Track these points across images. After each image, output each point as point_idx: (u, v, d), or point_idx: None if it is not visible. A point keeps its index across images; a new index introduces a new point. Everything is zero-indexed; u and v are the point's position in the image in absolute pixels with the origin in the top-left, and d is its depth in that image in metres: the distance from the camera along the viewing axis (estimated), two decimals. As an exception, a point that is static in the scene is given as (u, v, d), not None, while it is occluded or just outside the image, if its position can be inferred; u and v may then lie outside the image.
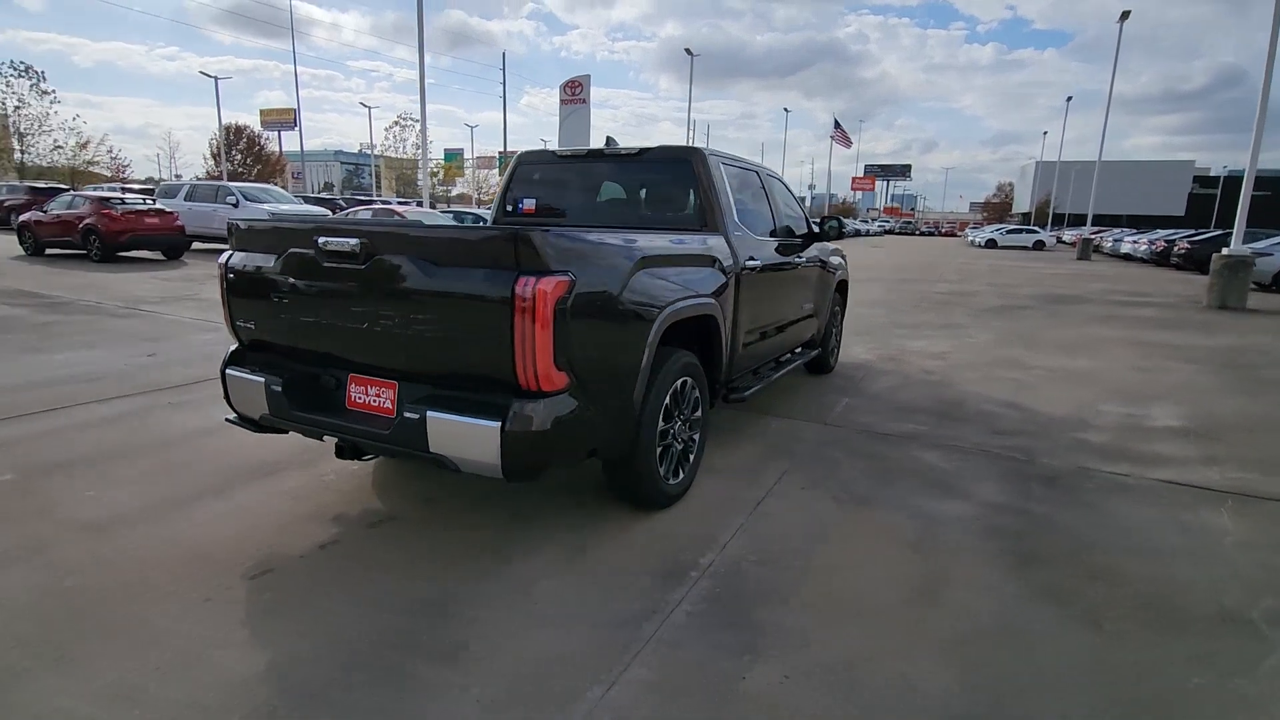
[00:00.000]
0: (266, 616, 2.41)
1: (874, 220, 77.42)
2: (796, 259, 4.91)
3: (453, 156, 75.84)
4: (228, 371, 3.06)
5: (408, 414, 2.53)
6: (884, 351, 7.55)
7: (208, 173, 50.24)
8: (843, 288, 6.52)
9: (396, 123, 62.92)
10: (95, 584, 2.56)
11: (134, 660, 2.13)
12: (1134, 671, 2.23)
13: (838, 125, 75.53)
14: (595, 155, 4.30)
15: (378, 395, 2.76)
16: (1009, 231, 43.32)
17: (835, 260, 6.04)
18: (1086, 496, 3.66)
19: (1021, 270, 22.21)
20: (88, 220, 14.03)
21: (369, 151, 67.01)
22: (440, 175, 72.64)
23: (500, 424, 2.37)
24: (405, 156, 67.10)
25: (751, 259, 4.04)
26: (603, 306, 2.63)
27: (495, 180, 72.25)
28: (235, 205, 16.52)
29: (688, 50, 35.33)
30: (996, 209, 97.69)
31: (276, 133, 53.34)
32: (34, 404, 4.69)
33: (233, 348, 3.15)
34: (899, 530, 3.21)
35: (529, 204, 4.43)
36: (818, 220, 5.46)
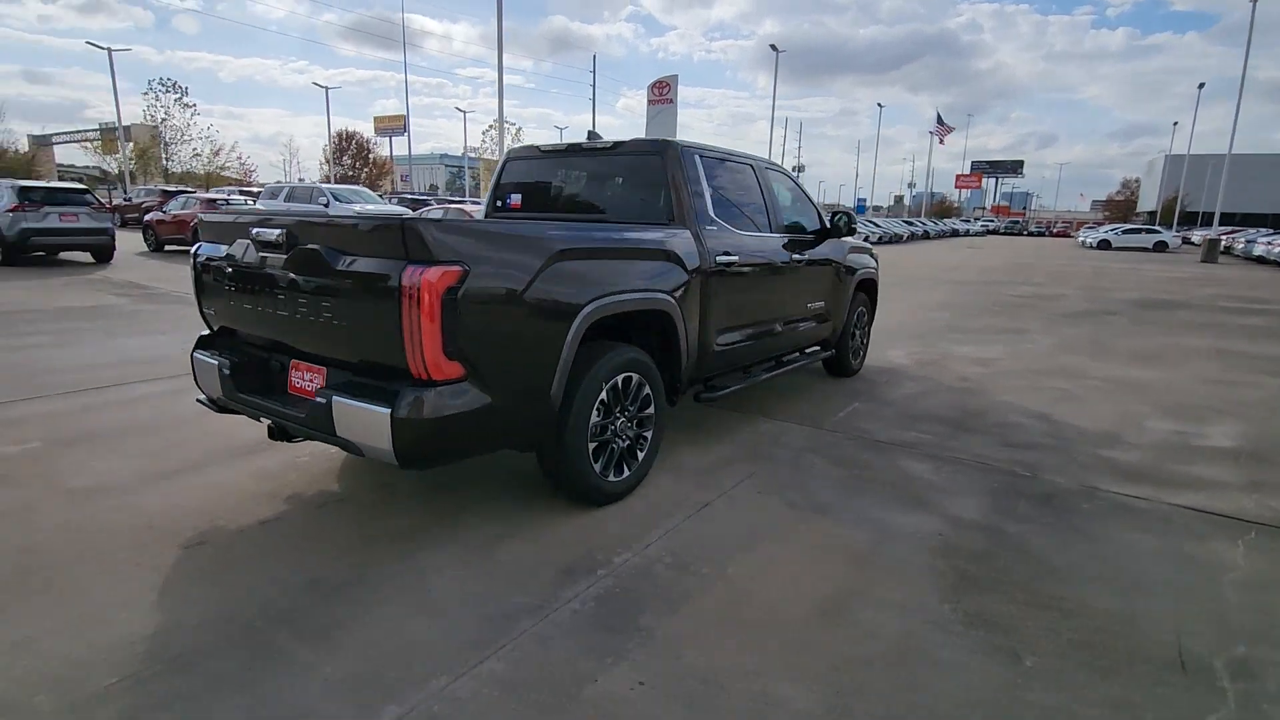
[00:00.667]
0: (179, 584, 2.56)
1: (977, 220, 73.16)
2: (797, 256, 4.71)
3: None
4: (194, 355, 3.27)
5: (319, 399, 2.63)
6: (925, 356, 7.12)
7: (323, 176, 54.03)
8: (869, 288, 6.20)
9: (492, 127, 65.04)
10: (54, 544, 2.81)
11: (47, 615, 2.33)
12: (1030, 713, 1.99)
13: (940, 120, 72.01)
14: (574, 150, 4.30)
15: (310, 380, 2.88)
16: (1125, 232, 39.77)
17: (856, 259, 5.75)
18: (1078, 519, 3.31)
19: (1128, 274, 20.35)
20: (196, 220, 15.40)
21: (471, 154, 70.00)
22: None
23: (390, 411, 2.42)
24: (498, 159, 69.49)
25: (727, 254, 3.91)
26: (505, 299, 2.62)
27: (586, 181, 73.72)
28: (326, 205, 17.65)
29: (773, 47, 34.67)
30: (1119, 207, 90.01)
31: (388, 138, 56.80)
32: (90, 382, 5.21)
33: (202, 333, 3.38)
34: (844, 542, 3.02)
35: (516, 199, 4.49)
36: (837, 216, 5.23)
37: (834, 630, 2.37)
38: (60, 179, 51.47)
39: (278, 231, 2.67)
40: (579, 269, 2.92)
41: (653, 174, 3.87)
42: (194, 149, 47.82)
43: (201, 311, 3.32)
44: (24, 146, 50.88)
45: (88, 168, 52.83)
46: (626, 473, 3.35)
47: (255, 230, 2.77)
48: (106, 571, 2.62)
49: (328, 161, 53.77)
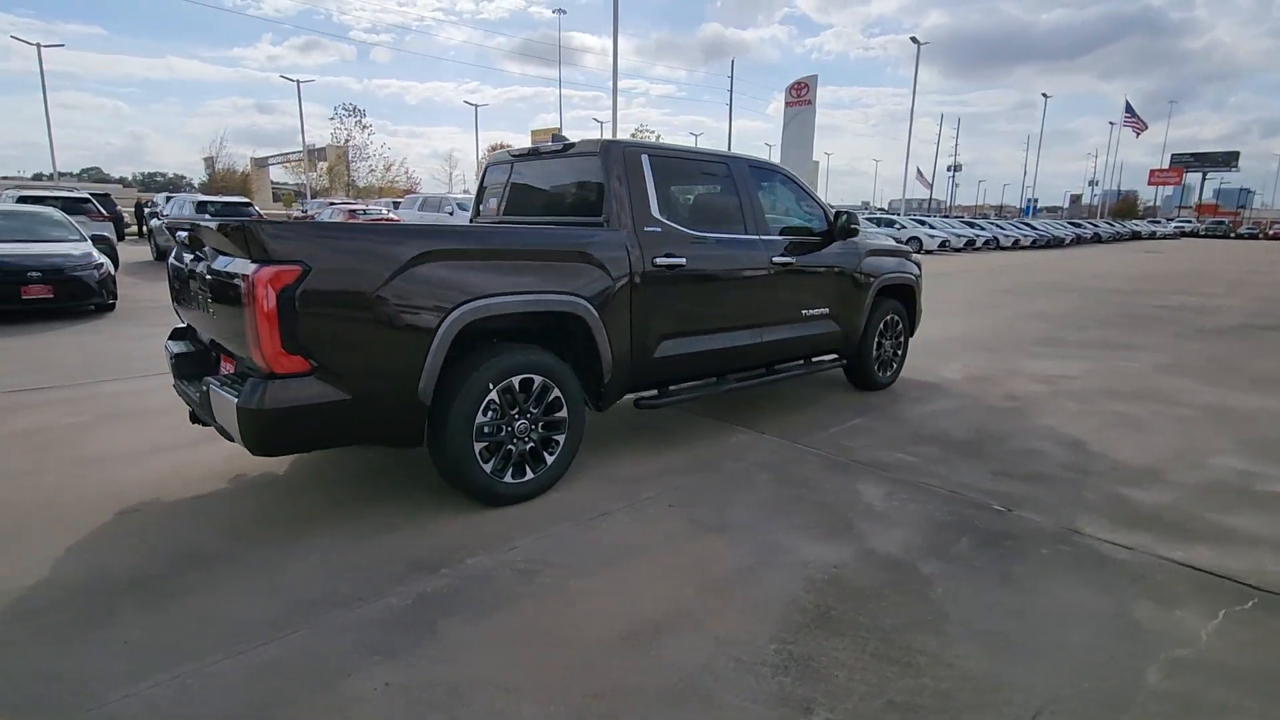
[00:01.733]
0: (88, 544, 2.89)
1: (1170, 220, 63.91)
2: (784, 260, 4.42)
3: None
4: (166, 343, 3.69)
5: (204, 387, 2.87)
6: (985, 370, 6.38)
7: (476, 187, 58.22)
8: (903, 295, 5.68)
9: (634, 135, 66.79)
10: (26, 500, 3.28)
11: (-30, 561, 2.73)
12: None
13: (1130, 110, 63.95)
14: (534, 154, 4.33)
15: (226, 372, 3.15)
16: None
17: (875, 264, 5.27)
18: (1021, 565, 2.82)
19: (1346, 282, 16.87)
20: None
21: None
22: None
23: (235, 400, 2.59)
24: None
25: (671, 257, 3.76)
26: (353, 299, 2.70)
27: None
28: (451, 214, 19.02)
29: (914, 39, 32.53)
30: (1371, 204, 74.70)
31: None
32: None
33: (177, 325, 3.79)
34: (719, 566, 2.80)
35: (491, 204, 4.60)
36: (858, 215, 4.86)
37: (628, 657, 2.21)
38: (273, 195, 60.02)
39: (185, 234, 2.95)
40: (448, 272, 2.93)
41: (594, 176, 3.81)
42: (370, 165, 53.50)
43: (173, 304, 3.74)
44: (248, 168, 59.48)
45: (289, 184, 60.86)
46: (529, 475, 3.33)
47: (179, 234, 3.08)
48: (51, 526, 3.01)
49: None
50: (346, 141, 53.19)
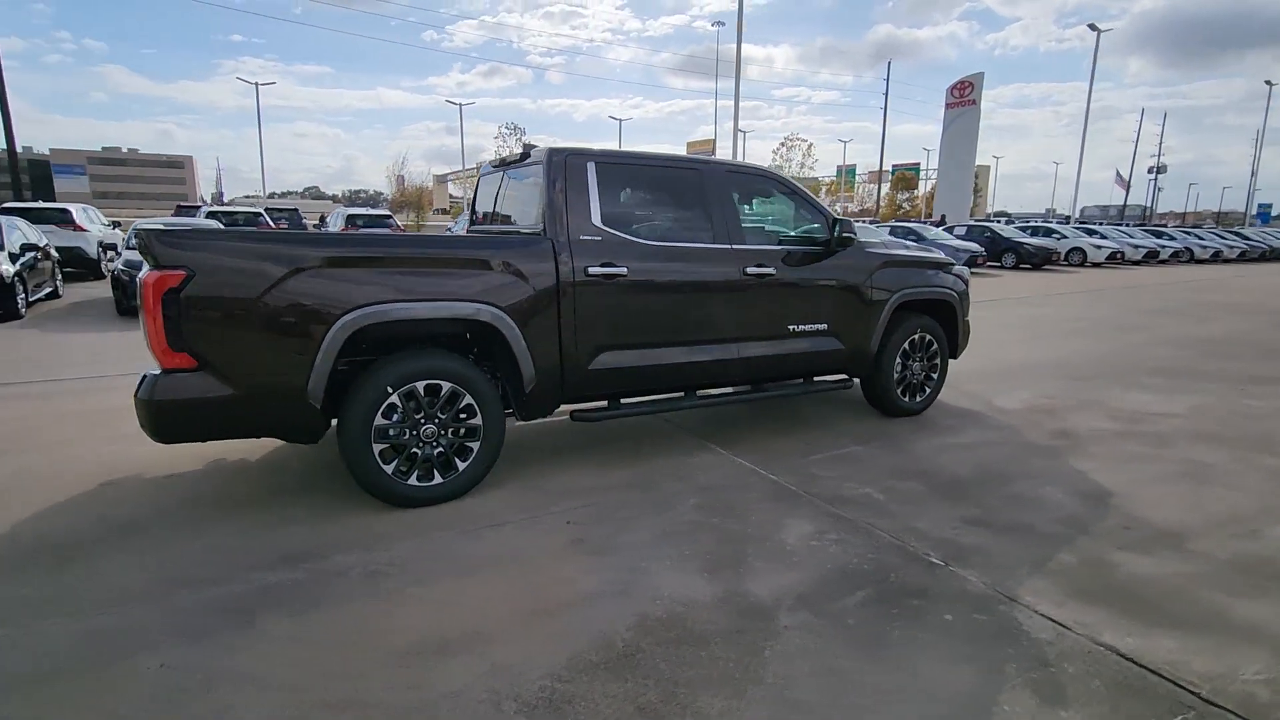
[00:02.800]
0: (56, 506, 3.31)
1: None
2: (760, 270, 4.12)
3: (852, 174, 76.61)
4: None
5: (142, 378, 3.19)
6: (1051, 401, 5.52)
7: (624, 198, 60.04)
8: (939, 312, 5.08)
9: (783, 144, 65.37)
10: (44, 470, 3.84)
11: (-37, 514, 3.24)
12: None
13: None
14: (503, 164, 4.37)
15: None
16: None
17: (893, 277, 4.74)
18: (902, 630, 2.41)
19: None
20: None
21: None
22: (823, 191, 73.59)
23: (135, 392, 2.87)
24: (794, 176, 69.34)
25: (610, 266, 3.65)
26: (239, 302, 2.88)
27: (882, 195, 69.90)
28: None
29: (1092, 26, 28.83)
30: None
31: None
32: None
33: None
34: (565, 590, 2.66)
35: (481, 213, 4.72)
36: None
37: (395, 672, 2.16)
38: (447, 208, 66.22)
39: (137, 242, 3.31)
40: (338, 279, 3.04)
41: (537, 183, 3.79)
42: (530, 180, 57.04)
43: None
44: (428, 184, 65.71)
45: (460, 198, 66.40)
46: (438, 480, 3.37)
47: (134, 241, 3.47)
48: (44, 492, 3.50)
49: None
50: (509, 158, 57.06)
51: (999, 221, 41.08)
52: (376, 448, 3.21)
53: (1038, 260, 21.20)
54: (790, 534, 3.15)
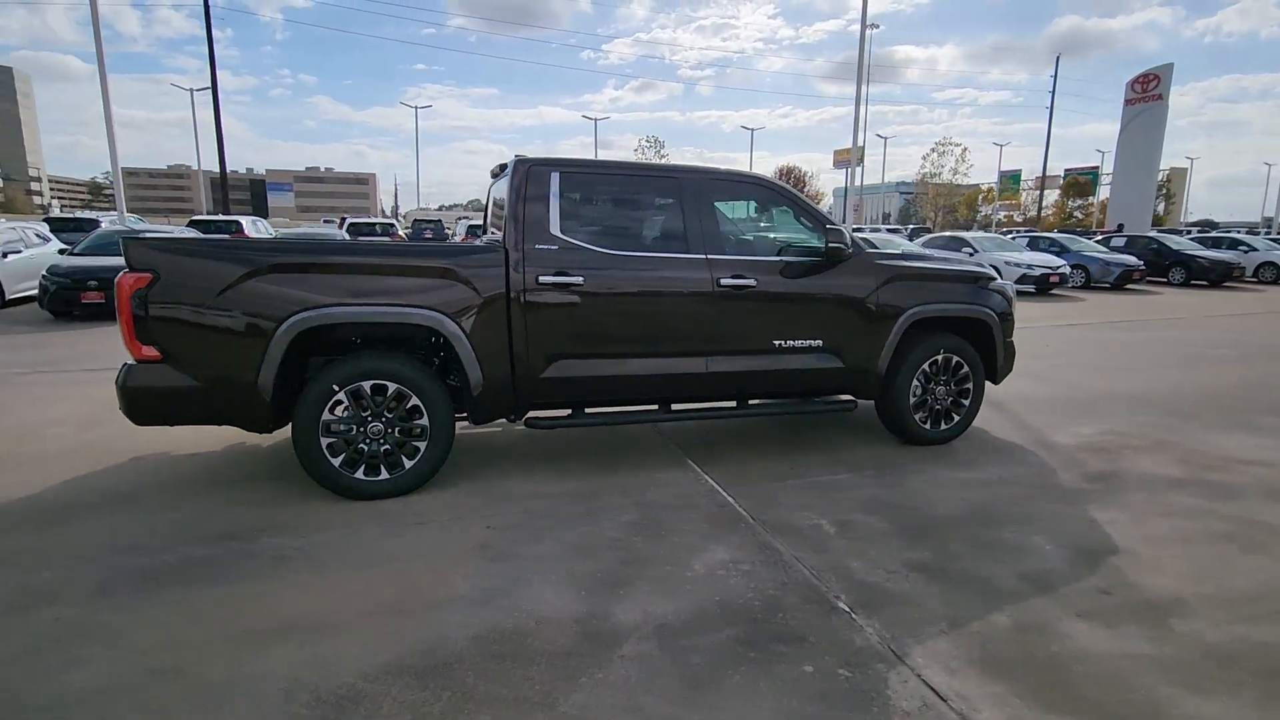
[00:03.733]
0: (80, 476, 3.85)
1: None
2: (736, 282, 3.93)
3: (1016, 179, 70.57)
4: None
5: None
6: (1117, 439, 4.76)
7: (760, 208, 59.42)
8: (966, 329, 4.57)
9: (934, 150, 61.44)
10: (87, 448, 4.46)
11: (13, 474, 3.86)
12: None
13: None
14: (494, 175, 4.48)
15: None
16: None
17: (912, 290, 4.33)
18: (737, 678, 2.20)
19: None
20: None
21: (907, 181, 67.81)
22: (983, 199, 68.40)
23: (116, 377, 3.28)
24: (945, 183, 64.97)
25: (564, 275, 3.64)
26: (195, 302, 3.19)
27: (1050, 201, 63.66)
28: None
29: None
30: None
31: (846, 170, 59.25)
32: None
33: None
34: (428, 594, 2.69)
35: (492, 219, 4.88)
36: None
37: (234, 649, 2.30)
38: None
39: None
40: (287, 283, 3.28)
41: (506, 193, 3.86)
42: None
43: None
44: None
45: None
46: (384, 476, 3.53)
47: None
48: (82, 463, 4.08)
49: (764, 195, 58.89)
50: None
51: (1194, 230, 35.95)
52: (324, 441, 3.42)
53: (1214, 276, 18.27)
54: (702, 560, 2.98)
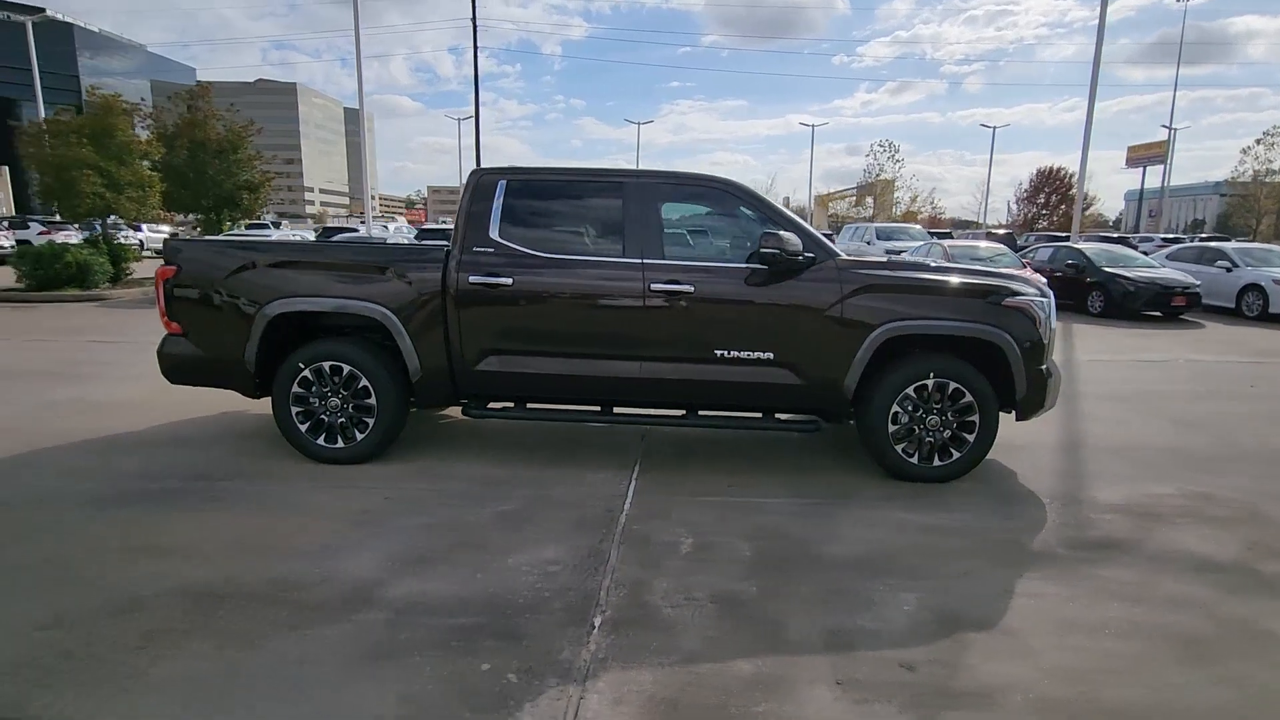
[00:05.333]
0: (167, 422, 5.00)
1: None
2: (671, 287, 3.84)
3: None
4: None
5: None
6: (1155, 503, 3.68)
7: (1014, 217, 52.83)
8: (971, 350, 3.91)
9: (1260, 140, 49.22)
10: (192, 397, 5.71)
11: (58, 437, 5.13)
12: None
13: None
14: None
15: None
16: None
17: (887, 303, 3.82)
18: (425, 657, 2.28)
19: None
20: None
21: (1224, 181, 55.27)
22: (1335, 202, 53.49)
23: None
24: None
25: (493, 277, 3.89)
26: (200, 290, 4.02)
27: None
28: (869, 244, 18.62)
29: None
30: None
31: (1141, 168, 50.67)
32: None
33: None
34: (274, 539, 3.13)
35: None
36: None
37: (120, 560, 2.96)
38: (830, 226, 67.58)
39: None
40: (270, 276, 3.99)
41: (466, 199, 4.21)
42: (896, 197, 54.44)
43: None
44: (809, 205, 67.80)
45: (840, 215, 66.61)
46: (340, 444, 4.10)
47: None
48: (182, 413, 5.27)
49: (1019, 201, 52.24)
50: (877, 176, 55.27)
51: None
52: (294, 410, 4.09)
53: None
54: (525, 555, 3.04)
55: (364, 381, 4.03)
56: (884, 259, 4.57)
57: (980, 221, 53.32)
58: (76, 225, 20.89)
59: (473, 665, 2.26)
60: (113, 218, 14.81)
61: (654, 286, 3.88)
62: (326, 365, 4.04)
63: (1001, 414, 4.00)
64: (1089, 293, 12.25)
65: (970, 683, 2.21)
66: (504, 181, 4.07)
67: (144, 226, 25.94)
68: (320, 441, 4.11)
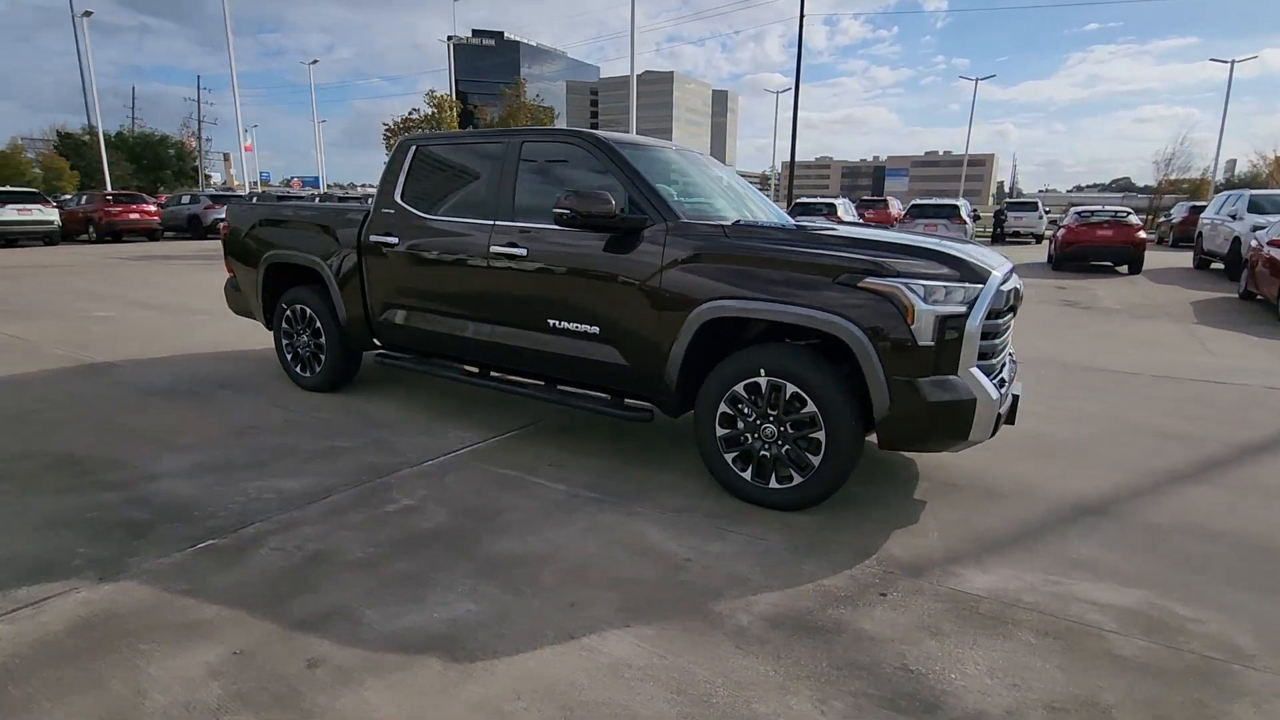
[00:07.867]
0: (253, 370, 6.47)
1: None
2: (506, 250, 3.74)
3: None
4: None
5: None
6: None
7: None
8: (823, 341, 2.99)
9: None
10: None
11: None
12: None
13: None
14: None
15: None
16: None
17: (713, 278, 3.10)
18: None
19: None
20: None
21: None
22: None
23: (230, 284, 5.61)
24: None
25: (386, 236, 4.24)
26: (235, 240, 5.18)
27: None
28: (1238, 216, 13.75)
29: None
30: None
31: None
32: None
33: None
34: (248, 444, 4.00)
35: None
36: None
37: (148, 444, 4.17)
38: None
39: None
40: (273, 228, 4.96)
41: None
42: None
43: None
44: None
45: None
46: (308, 374, 4.95)
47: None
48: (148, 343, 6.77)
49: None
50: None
51: None
52: (284, 343, 5.06)
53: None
54: (261, 481, 3.40)
55: (318, 323, 4.78)
56: (759, 223, 3.63)
57: None
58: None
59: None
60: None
61: (494, 249, 3.80)
62: (298, 308, 4.88)
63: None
64: None
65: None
66: (414, 146, 4.36)
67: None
68: (298, 370, 5.02)
